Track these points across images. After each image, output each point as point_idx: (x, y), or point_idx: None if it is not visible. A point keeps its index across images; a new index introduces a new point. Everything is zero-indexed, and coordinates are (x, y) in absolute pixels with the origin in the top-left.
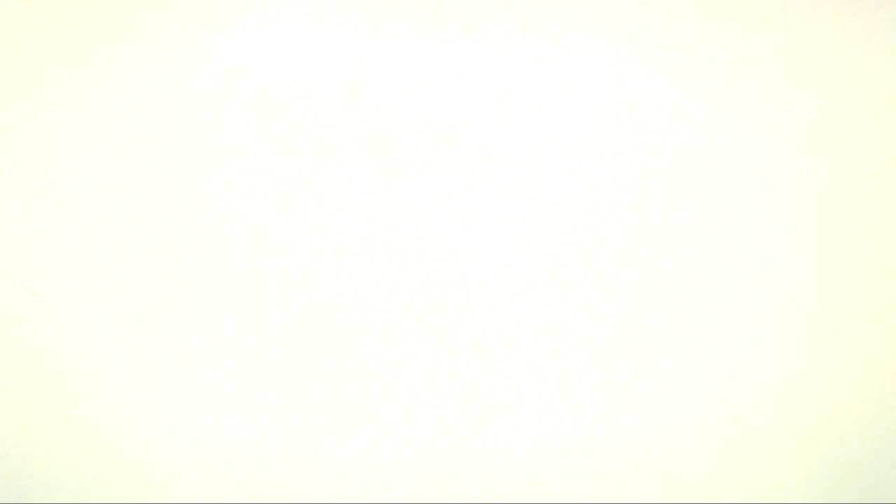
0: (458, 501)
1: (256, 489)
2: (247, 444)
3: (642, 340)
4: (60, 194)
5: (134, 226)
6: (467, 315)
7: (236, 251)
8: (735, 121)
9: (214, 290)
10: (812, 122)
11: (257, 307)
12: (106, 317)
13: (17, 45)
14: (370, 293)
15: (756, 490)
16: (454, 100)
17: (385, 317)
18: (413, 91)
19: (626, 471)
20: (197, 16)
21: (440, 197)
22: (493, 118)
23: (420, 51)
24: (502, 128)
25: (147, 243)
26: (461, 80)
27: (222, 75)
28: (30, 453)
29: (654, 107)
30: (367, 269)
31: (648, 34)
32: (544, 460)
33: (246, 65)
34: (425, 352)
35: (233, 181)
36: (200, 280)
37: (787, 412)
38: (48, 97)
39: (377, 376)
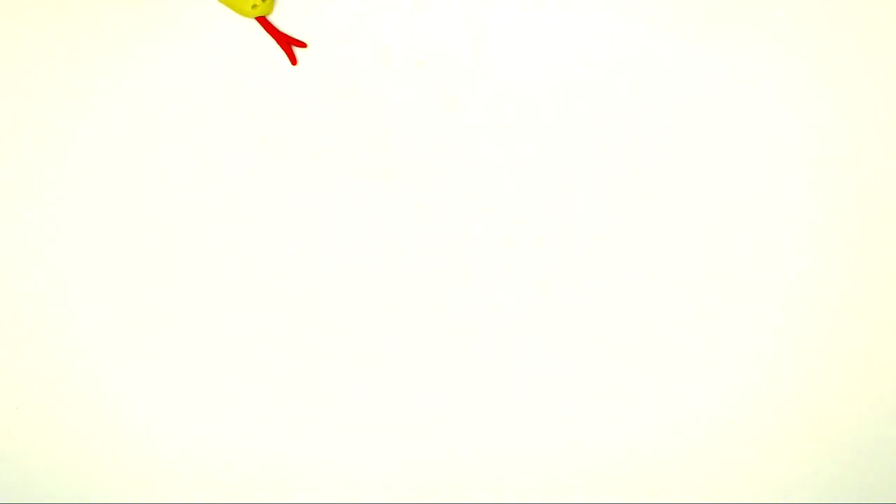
0: (457, 502)
1: (256, 490)
2: (246, 445)
3: (640, 343)
4: (58, 195)
5: (130, 229)
6: (466, 314)
7: (234, 254)
8: (735, 122)
9: (211, 293)
10: (816, 124)
11: (254, 310)
12: (104, 319)
13: (14, 47)
14: (369, 292)
15: (754, 491)
16: (453, 99)
17: (383, 317)
18: (412, 91)
19: (624, 472)
20: (196, 15)
21: (438, 196)
22: (493, 118)
23: (419, 50)
24: (502, 128)
25: (143, 246)
26: (460, 81)
27: (221, 75)
28: (28, 454)
29: (655, 107)
30: (366, 269)
31: (648, 34)
32: (543, 462)
33: (245, 65)
34: (423, 354)
35: (229, 183)
36: (197, 284)
37: (784, 413)
38: (45, 98)
39: (374, 380)
